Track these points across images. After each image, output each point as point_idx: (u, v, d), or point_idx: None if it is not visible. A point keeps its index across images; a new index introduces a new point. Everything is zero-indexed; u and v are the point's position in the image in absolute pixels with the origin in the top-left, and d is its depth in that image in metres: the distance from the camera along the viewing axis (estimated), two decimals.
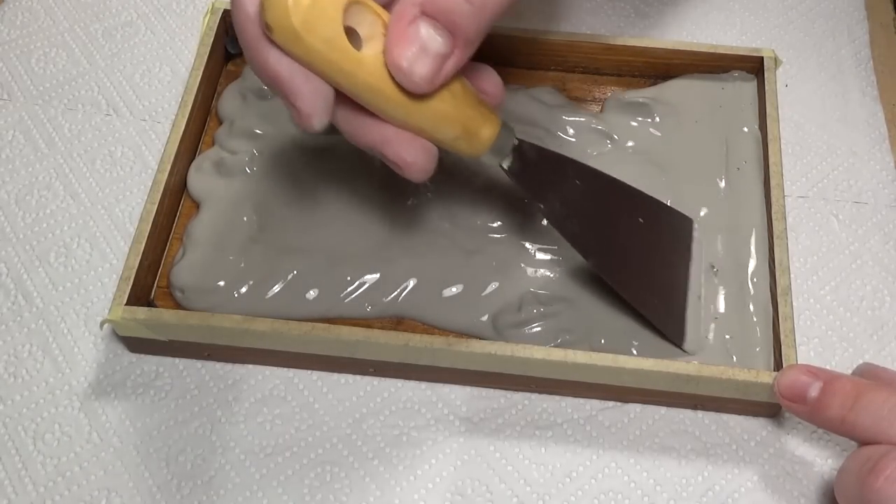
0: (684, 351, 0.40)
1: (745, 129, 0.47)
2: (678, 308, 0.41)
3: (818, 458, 0.40)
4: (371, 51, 0.31)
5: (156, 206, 0.42)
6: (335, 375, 0.42)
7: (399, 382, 0.42)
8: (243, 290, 0.42)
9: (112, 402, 0.41)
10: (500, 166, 0.37)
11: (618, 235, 0.40)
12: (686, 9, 0.55)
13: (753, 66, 0.48)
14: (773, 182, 0.44)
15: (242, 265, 0.42)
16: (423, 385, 0.42)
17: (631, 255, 0.40)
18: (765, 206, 0.44)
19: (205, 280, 0.42)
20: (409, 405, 0.42)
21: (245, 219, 0.44)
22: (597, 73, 0.50)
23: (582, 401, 0.42)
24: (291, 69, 0.30)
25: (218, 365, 0.42)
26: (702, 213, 0.44)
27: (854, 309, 0.44)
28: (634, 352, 0.40)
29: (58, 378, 0.42)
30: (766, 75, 0.47)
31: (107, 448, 0.40)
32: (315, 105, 0.31)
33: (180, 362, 0.42)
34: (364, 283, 0.42)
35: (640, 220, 0.41)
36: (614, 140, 0.47)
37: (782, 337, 0.39)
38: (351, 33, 0.31)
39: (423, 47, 0.30)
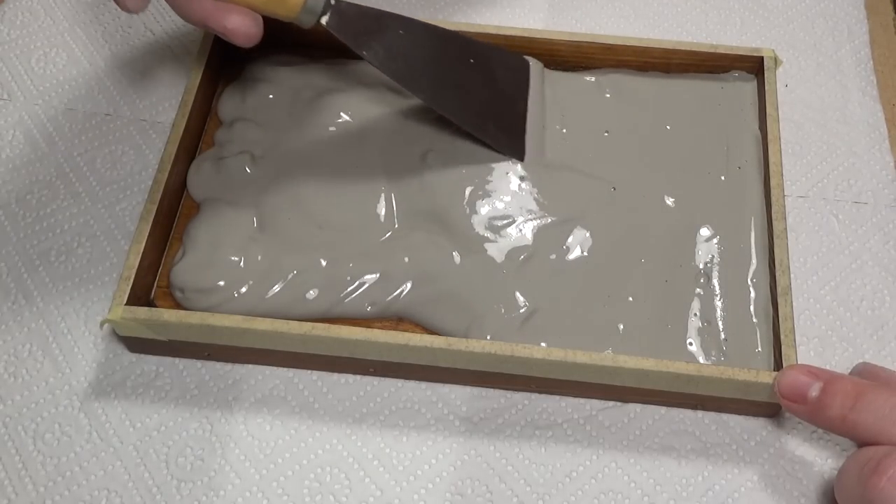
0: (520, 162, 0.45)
1: (745, 129, 0.47)
2: (517, 129, 0.45)
3: (818, 458, 0.40)
4: None
5: (156, 206, 0.42)
6: (335, 375, 0.42)
7: (399, 382, 0.42)
8: (243, 290, 0.42)
9: (112, 402, 0.41)
10: (320, 23, 0.40)
11: (448, 74, 0.44)
12: (686, 9, 0.55)
13: (753, 66, 0.48)
14: (773, 182, 0.44)
15: (242, 265, 0.42)
16: (423, 385, 0.42)
17: (463, 89, 0.44)
18: (765, 205, 0.44)
19: (205, 280, 0.42)
20: (409, 405, 0.42)
21: (245, 219, 0.44)
22: None
23: (582, 401, 0.42)
24: None
25: (218, 365, 0.42)
26: (702, 213, 0.44)
27: (854, 309, 0.44)
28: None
29: (58, 378, 0.42)
30: (766, 75, 0.47)
31: (107, 448, 0.40)
32: None
33: (180, 362, 0.43)
34: (364, 283, 0.42)
35: (471, 60, 0.45)
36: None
37: (782, 337, 0.39)
38: None
39: None
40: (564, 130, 0.47)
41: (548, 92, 0.48)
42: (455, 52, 0.44)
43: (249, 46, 0.38)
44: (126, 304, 0.40)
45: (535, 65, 0.48)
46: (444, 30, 0.45)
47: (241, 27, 0.37)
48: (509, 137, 0.45)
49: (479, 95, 0.45)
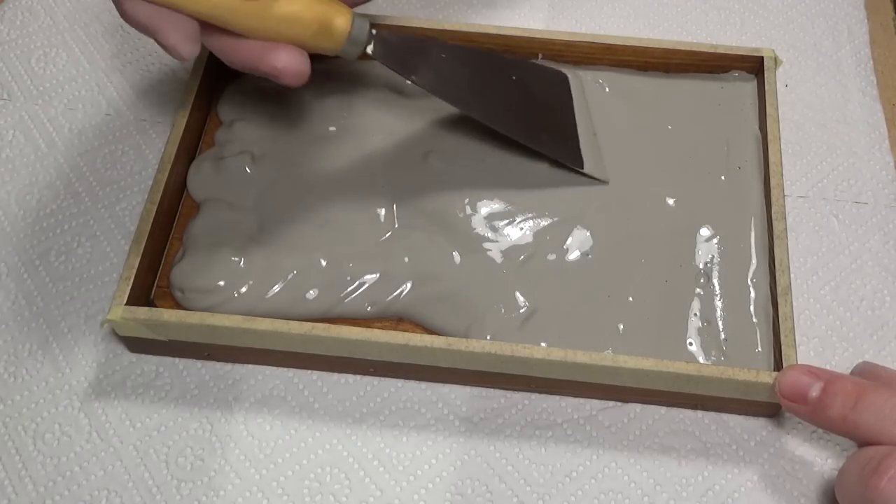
0: (589, 175, 0.45)
1: (745, 129, 0.47)
2: (570, 138, 0.46)
3: (818, 458, 0.40)
4: None
5: (156, 206, 0.42)
6: (335, 375, 0.42)
7: (399, 382, 0.42)
8: (243, 290, 0.42)
9: (112, 402, 0.41)
10: (366, 52, 0.39)
11: (493, 91, 0.44)
12: (686, 9, 0.55)
13: (753, 66, 0.48)
14: (773, 182, 0.44)
15: (242, 265, 0.42)
16: (423, 385, 0.42)
17: (510, 104, 0.45)
18: (765, 206, 0.44)
19: (205, 280, 0.42)
20: (409, 405, 0.42)
21: (245, 219, 0.44)
22: None
23: (582, 401, 0.42)
24: (148, 12, 0.35)
25: (218, 365, 0.42)
26: (702, 213, 0.44)
27: (854, 309, 0.44)
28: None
29: (58, 378, 0.42)
30: (766, 75, 0.47)
31: (107, 448, 0.40)
32: (178, 38, 0.35)
33: (180, 362, 0.43)
34: (364, 283, 0.42)
35: (513, 77, 0.45)
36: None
37: (782, 337, 0.39)
38: None
39: None
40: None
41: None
42: (495, 70, 0.45)
43: (299, 85, 0.37)
44: (126, 304, 0.39)
45: (573, 76, 0.48)
46: (480, 50, 0.46)
47: (293, 66, 0.37)
48: (564, 146, 0.45)
49: (527, 109, 0.45)
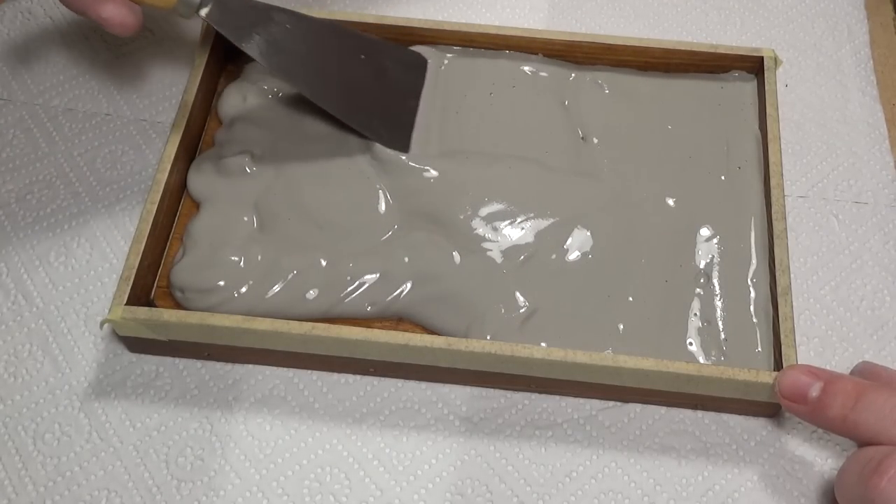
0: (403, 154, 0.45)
1: (745, 129, 0.47)
2: (404, 124, 0.46)
3: (818, 458, 0.40)
4: None
5: (156, 206, 0.42)
6: (335, 375, 0.42)
7: (399, 382, 0.42)
8: (243, 290, 0.42)
9: (112, 402, 0.41)
10: (198, 15, 0.40)
11: (333, 69, 0.45)
12: (686, 9, 0.55)
13: (753, 66, 0.48)
14: (773, 182, 0.44)
15: (242, 265, 0.42)
16: (423, 385, 0.42)
17: (348, 84, 0.45)
18: (765, 206, 0.44)
19: (205, 280, 0.42)
20: (409, 405, 0.42)
21: (245, 219, 0.44)
22: None
23: (582, 401, 0.42)
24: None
25: (218, 365, 0.42)
26: (702, 213, 0.44)
27: (854, 309, 0.44)
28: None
29: (58, 378, 0.42)
30: (766, 75, 0.47)
31: (107, 448, 0.40)
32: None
33: (180, 362, 0.43)
34: (364, 283, 0.42)
35: (362, 56, 0.46)
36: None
37: (782, 337, 0.39)
38: None
39: None
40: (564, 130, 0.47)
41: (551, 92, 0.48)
42: (346, 48, 0.46)
43: (127, 35, 0.39)
44: (126, 304, 0.40)
45: (435, 58, 0.49)
46: (336, 25, 0.46)
47: (117, 17, 0.39)
48: (394, 131, 0.46)
49: (366, 91, 0.46)
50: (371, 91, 0.46)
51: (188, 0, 0.40)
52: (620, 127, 0.47)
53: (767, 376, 0.38)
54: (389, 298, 0.42)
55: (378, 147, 0.44)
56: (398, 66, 0.48)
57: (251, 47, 0.42)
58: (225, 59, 0.50)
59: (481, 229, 0.43)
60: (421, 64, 0.48)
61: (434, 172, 0.44)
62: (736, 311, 0.42)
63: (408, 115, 0.47)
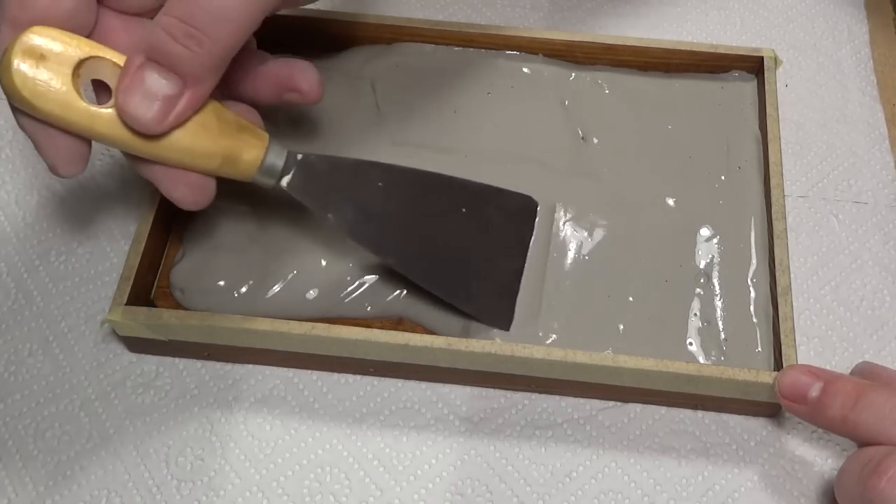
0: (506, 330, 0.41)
1: (745, 129, 0.47)
2: (507, 291, 0.41)
3: (818, 458, 0.40)
4: (112, 102, 0.33)
5: (156, 206, 0.42)
6: (335, 375, 0.42)
7: (399, 382, 0.42)
8: (243, 290, 0.42)
9: (112, 402, 0.41)
10: (280, 186, 0.37)
11: (429, 231, 0.40)
12: (686, 9, 0.55)
13: (753, 66, 0.48)
14: (773, 182, 0.44)
15: (242, 265, 0.42)
16: (423, 385, 0.42)
17: (445, 250, 0.40)
18: (765, 206, 0.44)
19: (205, 280, 0.42)
20: (409, 405, 0.42)
21: (245, 219, 0.44)
22: None
23: (582, 401, 0.42)
24: (33, 127, 0.33)
25: (218, 365, 0.42)
26: (702, 213, 0.44)
27: (854, 309, 0.44)
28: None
29: (58, 377, 0.42)
30: (766, 75, 0.47)
31: (107, 448, 0.40)
32: (58, 158, 0.34)
33: (180, 362, 0.43)
34: (364, 283, 0.42)
35: (464, 209, 0.41)
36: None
37: (782, 337, 0.39)
38: (100, 85, 0.34)
39: (148, 92, 0.32)
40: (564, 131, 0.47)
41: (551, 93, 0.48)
42: (444, 201, 0.41)
43: (199, 209, 0.36)
44: (126, 304, 0.40)
45: (545, 202, 0.44)
46: (434, 176, 0.41)
47: (188, 197, 0.35)
48: (496, 301, 0.41)
49: (466, 254, 0.41)
50: (472, 252, 0.41)
51: (270, 168, 0.36)
52: (620, 127, 0.47)
53: (767, 376, 0.38)
54: (389, 298, 0.42)
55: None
56: (503, 216, 0.42)
57: (338, 218, 0.38)
58: None
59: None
60: (530, 208, 0.43)
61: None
62: (736, 311, 0.42)
63: (512, 279, 0.41)
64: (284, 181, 0.37)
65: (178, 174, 0.35)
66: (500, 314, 0.41)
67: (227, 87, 0.38)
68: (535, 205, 0.44)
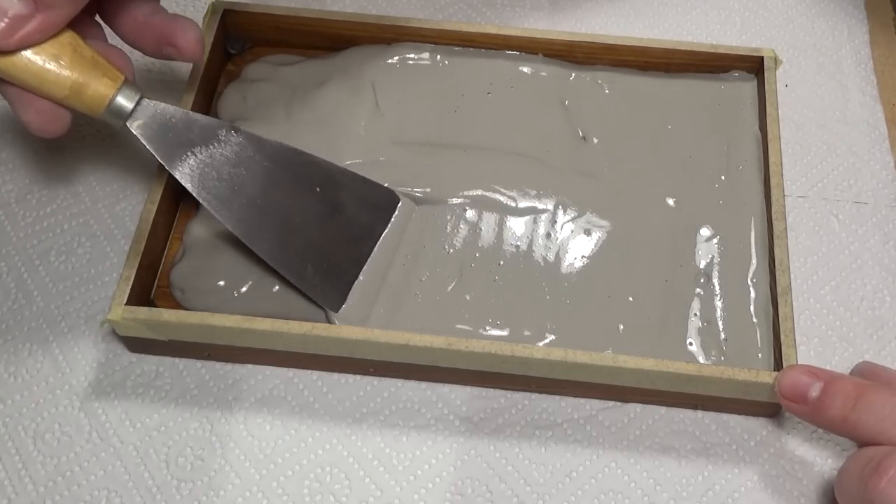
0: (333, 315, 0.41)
1: (745, 129, 0.47)
2: (344, 275, 0.41)
3: (818, 458, 0.40)
4: None
5: (156, 205, 0.42)
6: (335, 375, 0.42)
7: (399, 382, 0.42)
8: (243, 290, 0.42)
9: (112, 402, 0.41)
10: (126, 126, 0.38)
11: (273, 203, 0.40)
12: (686, 9, 0.55)
13: (753, 66, 0.48)
14: (773, 182, 0.44)
15: (242, 265, 0.42)
16: (423, 385, 0.42)
17: (287, 225, 0.41)
18: (765, 206, 0.44)
19: (205, 280, 0.42)
20: (409, 405, 0.42)
21: None
22: None
23: (582, 401, 0.42)
24: None
25: (218, 365, 0.42)
26: (702, 213, 0.44)
27: (854, 309, 0.45)
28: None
29: (58, 378, 0.42)
30: (766, 75, 0.47)
31: (107, 448, 0.40)
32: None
33: (180, 362, 0.42)
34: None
35: (318, 189, 0.41)
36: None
37: (782, 337, 0.39)
38: None
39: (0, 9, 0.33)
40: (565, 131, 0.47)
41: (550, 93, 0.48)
42: (301, 178, 0.41)
43: (52, 137, 0.37)
44: (126, 304, 0.39)
45: (405, 204, 0.44)
46: (296, 153, 0.41)
47: (35, 123, 0.36)
48: (328, 284, 0.41)
49: (310, 232, 0.41)
50: (316, 232, 0.41)
51: (117, 109, 0.37)
52: (620, 127, 0.47)
53: (767, 376, 0.38)
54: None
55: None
56: (359, 205, 0.42)
57: (182, 170, 0.38)
58: (225, 59, 0.50)
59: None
60: (390, 203, 0.43)
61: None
62: (736, 311, 0.42)
63: (353, 265, 0.42)
64: (134, 125, 0.38)
65: (30, 98, 0.36)
66: (329, 296, 0.41)
67: (114, 30, 0.40)
68: (397, 200, 0.43)
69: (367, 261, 0.42)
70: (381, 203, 0.43)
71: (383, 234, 0.43)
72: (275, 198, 0.40)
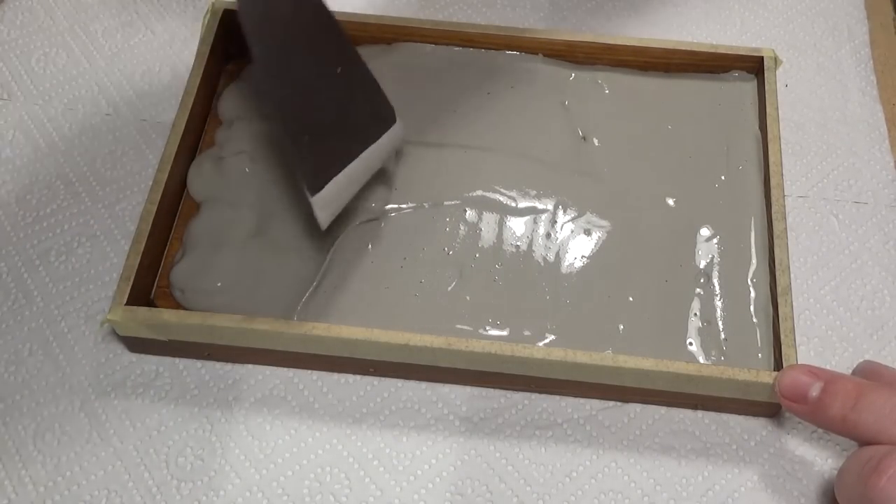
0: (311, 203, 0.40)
1: (745, 129, 0.47)
2: (332, 163, 0.40)
3: (818, 458, 0.40)
4: None
5: (156, 205, 0.42)
6: (335, 375, 0.42)
7: (399, 382, 0.42)
8: (243, 290, 0.42)
9: (112, 402, 0.41)
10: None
11: (304, 66, 0.39)
12: (686, 8, 0.55)
13: (753, 66, 0.48)
14: (773, 182, 0.44)
15: (242, 265, 0.42)
16: (423, 385, 0.42)
17: (308, 90, 0.39)
18: (765, 206, 0.44)
19: (205, 280, 0.42)
20: (409, 405, 0.42)
21: (245, 219, 0.44)
22: None
23: (582, 401, 0.42)
24: None
25: (218, 365, 0.42)
26: (702, 213, 0.44)
27: (854, 309, 0.44)
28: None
29: (58, 378, 0.42)
30: (766, 75, 0.47)
31: (107, 448, 0.40)
32: None
33: (180, 362, 0.43)
34: None
35: (339, 69, 0.40)
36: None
37: (782, 337, 0.39)
38: None
39: None
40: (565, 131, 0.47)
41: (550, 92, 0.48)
42: (329, 52, 0.40)
43: None
44: (126, 304, 0.40)
45: (398, 127, 0.43)
46: (337, 31, 0.40)
47: None
48: (318, 164, 0.40)
49: (319, 103, 0.40)
50: (325, 109, 0.40)
51: None
52: (620, 127, 0.47)
53: (767, 376, 0.38)
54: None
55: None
56: (365, 104, 0.42)
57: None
58: (225, 59, 0.50)
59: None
60: (388, 117, 0.43)
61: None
62: (736, 311, 0.42)
63: (339, 159, 0.40)
64: None
65: None
66: (313, 177, 0.39)
67: None
68: (394, 119, 0.43)
69: (350, 163, 0.41)
70: (381, 114, 0.42)
71: (371, 146, 0.41)
72: (307, 54, 0.39)
